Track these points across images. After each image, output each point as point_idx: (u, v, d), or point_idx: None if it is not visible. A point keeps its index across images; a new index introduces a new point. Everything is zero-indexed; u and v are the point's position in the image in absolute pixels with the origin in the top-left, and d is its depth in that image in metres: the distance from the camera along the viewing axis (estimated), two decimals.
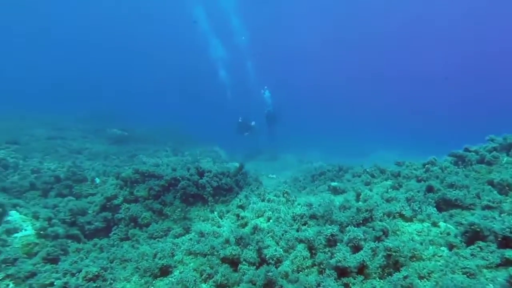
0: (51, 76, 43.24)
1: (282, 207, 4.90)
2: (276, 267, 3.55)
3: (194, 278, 3.44)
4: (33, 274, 3.38)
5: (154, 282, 3.53)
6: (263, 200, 5.57)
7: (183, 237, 5.31)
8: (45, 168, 8.67)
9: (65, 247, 4.52)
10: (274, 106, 20.20)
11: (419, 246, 3.70)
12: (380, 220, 4.49)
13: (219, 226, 5.10)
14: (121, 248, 4.83)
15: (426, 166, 7.18)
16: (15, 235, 4.80)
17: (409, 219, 4.64)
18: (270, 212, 4.74)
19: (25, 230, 4.99)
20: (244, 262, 3.64)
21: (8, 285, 3.16)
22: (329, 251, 3.61)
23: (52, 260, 3.84)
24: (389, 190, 6.66)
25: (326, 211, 4.14)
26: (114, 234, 5.77)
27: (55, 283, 3.14)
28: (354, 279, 3.16)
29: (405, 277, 2.89)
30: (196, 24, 28.09)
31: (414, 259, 3.54)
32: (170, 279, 3.59)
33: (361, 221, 4.30)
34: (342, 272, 3.23)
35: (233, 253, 3.70)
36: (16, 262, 3.46)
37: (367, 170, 8.41)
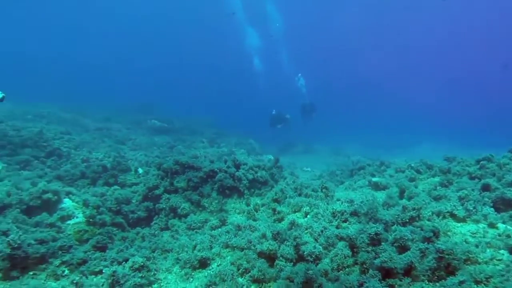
0: (97, 69, 46.21)
1: (321, 203, 4.74)
2: (315, 265, 3.44)
3: (232, 271, 3.45)
4: (84, 261, 3.60)
5: (193, 273, 3.60)
6: (300, 195, 5.45)
7: (220, 229, 5.40)
8: (93, 157, 9.26)
9: (111, 235, 4.79)
10: (310, 97, 19.56)
11: (474, 249, 3.37)
12: (429, 220, 4.18)
13: (254, 220, 5.08)
14: (161, 238, 5.00)
15: (481, 162, 6.55)
16: (68, 222, 5.18)
17: (461, 220, 4.26)
18: (308, 207, 4.61)
19: (77, 217, 5.38)
20: (281, 258, 3.58)
21: (63, 271, 3.40)
22: (372, 250, 3.42)
23: (101, 248, 4.06)
24: (438, 188, 6.19)
25: (370, 208, 3.92)
26: (155, 223, 6.02)
27: (103, 271, 3.33)
28: (401, 280, 2.95)
29: (461, 282, 2.63)
30: (234, 15, 28.03)
31: (469, 262, 3.23)
32: (208, 271, 3.64)
33: (407, 220, 4.02)
34: (387, 273, 3.04)
35: (270, 248, 3.65)
36: (71, 249, 3.70)
37: (412, 165, 7.88)
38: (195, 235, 4.58)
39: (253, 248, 3.87)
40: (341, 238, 3.71)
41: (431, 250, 3.21)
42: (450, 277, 2.99)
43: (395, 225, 3.69)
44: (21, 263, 3.29)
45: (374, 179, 7.12)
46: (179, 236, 5.22)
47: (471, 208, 4.21)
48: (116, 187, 6.76)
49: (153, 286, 3.26)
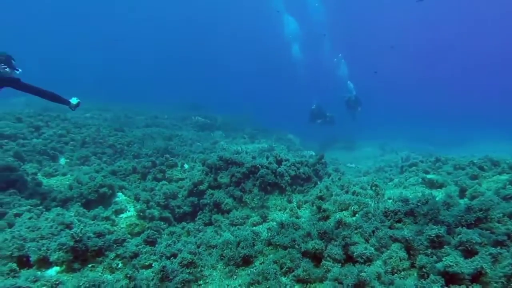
0: (147, 69, 49.21)
1: (370, 201, 4.43)
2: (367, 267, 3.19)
3: (275, 270, 3.34)
4: (136, 255, 3.76)
5: (237, 271, 3.56)
6: (347, 192, 5.16)
7: (261, 226, 5.33)
8: (143, 153, 9.77)
9: (159, 229, 4.97)
10: (356, 91, 18.46)
11: None
12: (499, 222, 3.67)
13: (297, 217, 4.92)
14: (205, 233, 5.07)
15: None
16: (121, 215, 5.51)
17: None
18: (356, 206, 4.33)
19: (129, 211, 5.69)
20: (328, 258, 3.38)
21: (117, 264, 3.57)
22: (432, 253, 3.07)
23: (151, 242, 4.22)
24: (508, 186, 5.46)
25: (431, 209, 3.54)
26: (199, 218, 6.15)
27: (153, 265, 3.44)
28: (468, 287, 2.61)
29: None
30: (279, 13, 27.80)
31: None
32: (251, 269, 3.57)
33: (472, 222, 3.57)
34: (451, 278, 2.70)
35: (316, 247, 3.47)
36: (124, 243, 3.89)
37: (475, 161, 7.09)
38: (237, 231, 4.54)
39: (297, 247, 3.72)
40: (395, 240, 3.41)
41: (505, 255, 2.79)
42: None
43: (459, 227, 3.28)
44: (82, 255, 3.51)
45: (429, 176, 6.53)
46: (222, 232, 5.26)
47: None
48: (164, 182, 7.03)
49: (200, 282, 3.28)
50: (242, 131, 17.67)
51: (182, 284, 2.89)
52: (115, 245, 3.83)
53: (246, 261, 3.79)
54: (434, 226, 3.14)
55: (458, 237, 3.07)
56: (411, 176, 7.53)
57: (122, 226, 5.18)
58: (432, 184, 6.28)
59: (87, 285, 2.93)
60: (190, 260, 3.22)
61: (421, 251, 3.15)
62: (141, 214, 5.56)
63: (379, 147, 18.53)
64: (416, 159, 8.96)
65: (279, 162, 6.98)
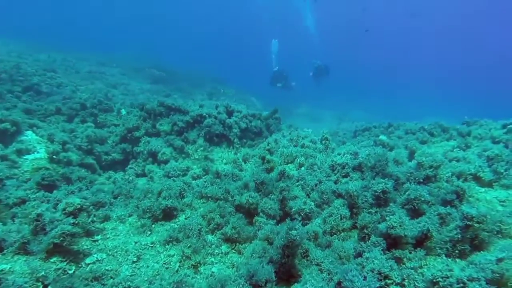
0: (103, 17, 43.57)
1: (319, 155, 3.98)
2: (303, 225, 2.76)
3: (200, 227, 2.78)
4: (23, 201, 2.93)
5: (153, 226, 2.94)
6: (295, 146, 4.67)
7: (201, 179, 4.73)
8: (77, 97, 8.44)
9: (68, 176, 4.11)
10: (323, 60, 17.76)
11: (507, 219, 2.63)
12: (447, 182, 3.42)
13: (240, 170, 4.37)
14: (128, 184, 4.33)
15: (509, 126, 5.69)
16: (27, 156, 4.51)
17: (487, 184, 3.50)
18: (303, 158, 3.85)
19: (38, 152, 4.69)
20: (261, 214, 2.88)
21: None
22: (377, 212, 2.69)
23: (48, 186, 3.38)
24: (455, 150, 5.39)
25: (379, 161, 3.13)
26: (131, 168, 5.36)
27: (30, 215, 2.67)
28: (410, 253, 2.25)
29: (500, 260, 1.92)
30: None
31: (500, 235, 2.51)
32: (172, 224, 2.98)
33: (421, 180, 3.27)
34: (394, 241, 2.33)
35: (250, 201, 2.95)
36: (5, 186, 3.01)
37: (425, 127, 7.03)
38: (167, 182, 3.87)
39: (230, 199, 3.18)
40: (339, 195, 2.98)
41: (454, 216, 2.48)
42: (476, 252, 2.29)
43: (408, 183, 2.93)
44: None
45: (381, 137, 6.31)
46: (153, 183, 4.57)
47: (502, 171, 3.42)
48: (89, 124, 6.01)
49: (96, 237, 2.59)
50: (202, 88, 16.52)
51: (62, 239, 2.19)
52: None
53: (169, 215, 3.18)
54: (382, 180, 2.73)
55: (406, 194, 2.70)
56: (364, 140, 7.34)
57: (25, 169, 4.22)
58: (383, 146, 6.08)
59: None
60: (79, 207, 2.46)
61: (365, 209, 2.76)
62: (54, 157, 4.61)
63: (338, 117, 18.65)
64: (370, 124, 8.84)
65: (229, 113, 6.27)
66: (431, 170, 3.27)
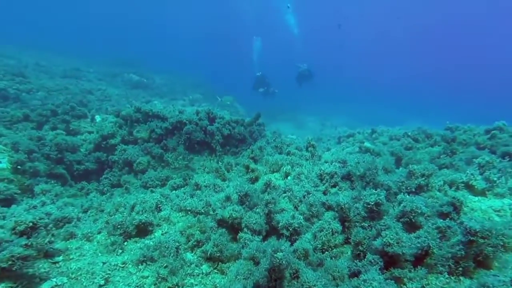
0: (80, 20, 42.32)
1: (305, 163, 3.78)
2: (292, 241, 2.52)
3: (177, 244, 2.49)
4: None
5: (125, 243, 2.62)
6: (281, 153, 4.46)
7: (182, 189, 4.42)
8: (49, 103, 7.95)
9: (31, 188, 3.71)
10: (309, 63, 17.80)
11: (509, 232, 2.49)
12: (439, 191, 3.30)
13: (223, 180, 4.11)
14: (100, 196, 3.97)
15: (492, 132, 5.74)
16: None
17: (479, 193, 3.41)
18: (289, 167, 3.64)
19: (0, 162, 4.24)
20: (246, 230, 2.63)
21: None
22: (370, 226, 2.50)
23: (5, 201, 2.99)
24: (442, 156, 5.36)
25: (369, 169, 2.95)
26: (105, 178, 4.98)
27: None
28: (411, 271, 2.06)
29: None
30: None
31: (503, 249, 2.37)
32: (146, 241, 2.67)
33: (413, 190, 3.12)
34: (391, 259, 2.14)
35: (234, 215, 2.68)
36: None
37: (409, 133, 7.03)
38: (141, 195, 3.55)
39: (212, 213, 2.90)
40: (329, 207, 2.78)
41: (454, 230, 2.31)
42: (480, 269, 2.13)
43: (401, 194, 2.77)
44: None
45: (366, 144, 6.22)
46: (129, 195, 4.22)
47: (495, 179, 3.33)
48: (60, 131, 5.58)
49: (56, 258, 2.26)
50: (184, 94, 16.17)
51: (11, 263, 1.84)
52: None
53: (143, 231, 2.87)
54: (374, 191, 2.54)
55: (401, 206, 2.53)
56: (348, 146, 7.26)
57: None
58: (368, 153, 5.99)
59: None
60: (32, 225, 2.11)
61: (357, 223, 2.56)
62: (18, 167, 4.18)
63: (321, 122, 18.78)
64: (354, 131, 8.84)
65: (211, 120, 6.01)
66: (423, 179, 3.13)
